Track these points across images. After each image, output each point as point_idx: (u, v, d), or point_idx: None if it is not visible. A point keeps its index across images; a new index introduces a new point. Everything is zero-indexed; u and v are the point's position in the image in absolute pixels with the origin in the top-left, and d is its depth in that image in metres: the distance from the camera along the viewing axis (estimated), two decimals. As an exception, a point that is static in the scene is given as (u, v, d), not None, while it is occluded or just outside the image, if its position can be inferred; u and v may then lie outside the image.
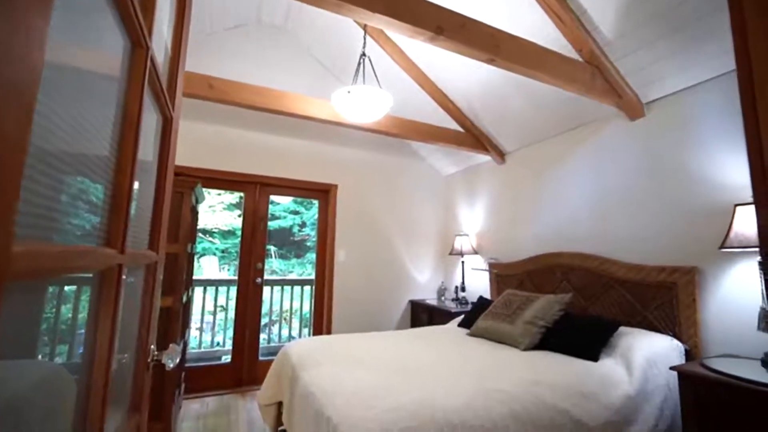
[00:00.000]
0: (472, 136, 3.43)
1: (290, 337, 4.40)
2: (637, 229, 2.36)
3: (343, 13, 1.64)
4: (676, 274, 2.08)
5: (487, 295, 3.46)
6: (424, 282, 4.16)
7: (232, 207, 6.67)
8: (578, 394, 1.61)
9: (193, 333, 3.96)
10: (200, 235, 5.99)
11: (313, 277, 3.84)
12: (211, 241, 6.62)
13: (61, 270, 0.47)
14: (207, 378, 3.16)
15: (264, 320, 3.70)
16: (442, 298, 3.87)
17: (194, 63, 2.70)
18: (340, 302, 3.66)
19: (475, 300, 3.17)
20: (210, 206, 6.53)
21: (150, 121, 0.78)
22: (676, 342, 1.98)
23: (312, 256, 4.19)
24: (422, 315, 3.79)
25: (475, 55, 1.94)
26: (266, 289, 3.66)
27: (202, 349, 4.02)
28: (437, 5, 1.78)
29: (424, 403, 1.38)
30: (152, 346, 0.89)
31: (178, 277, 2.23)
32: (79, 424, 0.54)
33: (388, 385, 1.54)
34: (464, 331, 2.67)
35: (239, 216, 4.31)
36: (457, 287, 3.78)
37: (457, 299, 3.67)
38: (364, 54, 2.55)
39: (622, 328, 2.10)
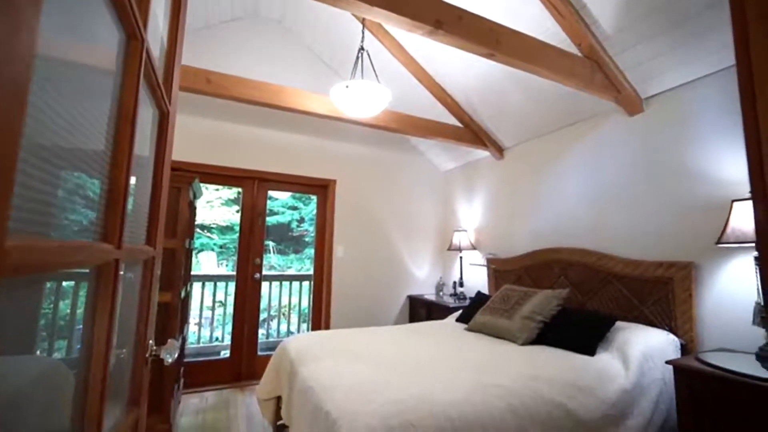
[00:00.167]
0: (470, 132, 3.42)
1: (289, 333, 4.42)
2: (635, 224, 2.37)
3: (341, 6, 1.63)
4: (672, 269, 2.09)
5: (485, 291, 3.47)
6: (423, 277, 4.17)
7: (230, 202, 6.65)
8: (575, 388, 1.62)
9: (192, 328, 3.97)
10: (198, 230, 5.98)
11: (311, 272, 3.84)
12: (209, 237, 6.61)
13: (57, 265, 0.47)
14: (206, 373, 3.17)
15: (263, 315, 3.71)
16: (441, 293, 3.88)
17: (192, 57, 2.67)
18: (338, 297, 3.67)
19: (473, 295, 3.19)
20: (208, 201, 6.51)
21: (146, 116, 0.78)
22: (672, 336, 2.00)
23: (310, 251, 4.19)
24: (420, 310, 3.80)
25: (474, 49, 1.92)
26: (265, 285, 3.67)
27: (201, 345, 4.03)
28: (436, -2, 1.76)
29: (423, 397, 1.39)
30: (151, 342, 0.89)
31: (177, 273, 2.22)
32: (77, 418, 0.54)
33: (386, 380, 1.55)
34: (462, 326, 2.69)
35: (237, 211, 4.30)
36: (455, 282, 3.79)
37: (455, 294, 3.68)
38: (362, 48, 2.53)
39: (618, 323, 2.11)
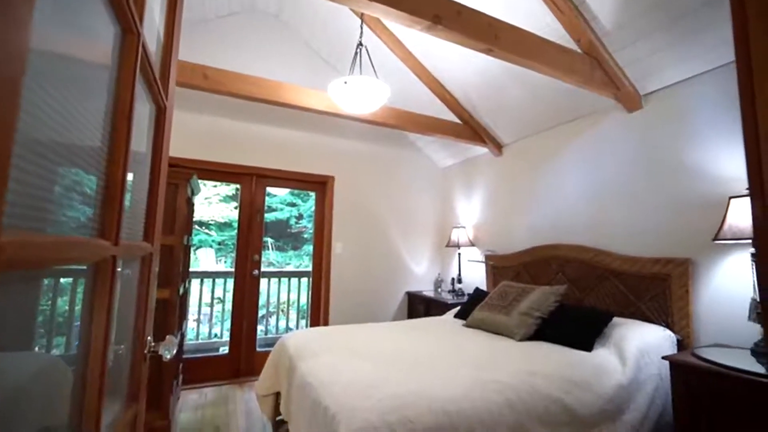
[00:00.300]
0: (469, 128, 3.41)
1: (287, 329, 4.42)
2: (633, 221, 2.38)
3: (339, 0, 1.61)
4: (669, 265, 2.10)
5: (484, 287, 3.48)
6: (421, 274, 4.18)
7: (228, 199, 6.63)
8: (572, 383, 1.63)
9: (191, 325, 3.97)
10: (196, 227, 5.96)
11: (310, 269, 3.84)
12: (207, 234, 6.60)
13: (53, 261, 0.46)
14: (205, 369, 3.18)
15: (261, 312, 3.71)
16: (439, 289, 3.90)
17: (189, 53, 2.65)
18: (337, 294, 3.67)
19: (471, 291, 3.19)
20: (206, 198, 6.49)
21: (143, 111, 0.77)
22: (668, 332, 2.01)
23: (309, 248, 4.20)
24: (419, 306, 3.82)
25: (473, 45, 1.92)
26: (263, 281, 3.67)
27: (200, 341, 4.04)
28: (435, -6, 1.75)
29: (421, 393, 1.40)
30: (149, 338, 0.89)
31: (175, 270, 2.22)
32: (76, 414, 0.54)
33: (385, 375, 1.55)
34: (460, 322, 2.70)
35: (236, 208, 4.29)
36: (453, 279, 3.80)
37: (453, 291, 3.70)
38: (360, 44, 2.51)
39: (615, 319, 2.12)
